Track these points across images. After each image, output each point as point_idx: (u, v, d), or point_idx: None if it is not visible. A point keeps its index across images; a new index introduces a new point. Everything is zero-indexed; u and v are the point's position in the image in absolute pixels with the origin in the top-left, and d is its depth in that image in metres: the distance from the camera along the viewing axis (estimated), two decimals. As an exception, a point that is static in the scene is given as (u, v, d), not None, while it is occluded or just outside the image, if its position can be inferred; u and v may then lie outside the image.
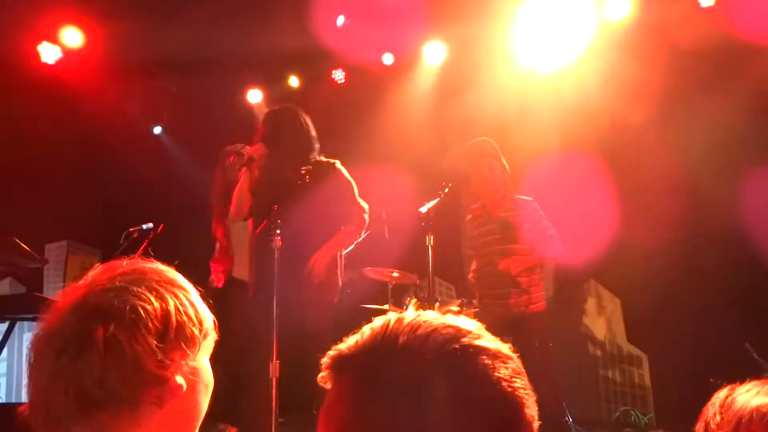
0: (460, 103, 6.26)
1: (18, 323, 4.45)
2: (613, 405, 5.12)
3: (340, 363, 0.68)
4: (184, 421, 0.93)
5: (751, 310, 4.41)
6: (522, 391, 0.66)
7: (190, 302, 0.93)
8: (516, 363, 0.68)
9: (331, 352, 0.70)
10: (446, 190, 3.37)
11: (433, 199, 3.33)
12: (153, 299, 0.88)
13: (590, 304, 5.43)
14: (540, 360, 3.36)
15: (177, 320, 0.89)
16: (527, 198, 3.77)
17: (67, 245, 6.43)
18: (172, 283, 0.93)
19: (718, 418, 0.93)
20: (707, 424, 0.94)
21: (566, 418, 4.33)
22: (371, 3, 5.45)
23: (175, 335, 0.88)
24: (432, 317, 0.69)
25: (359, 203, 3.33)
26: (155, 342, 0.86)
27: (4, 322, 4.01)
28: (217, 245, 4.44)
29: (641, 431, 4.32)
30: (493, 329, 0.71)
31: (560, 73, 5.27)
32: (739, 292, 4.59)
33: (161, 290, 0.90)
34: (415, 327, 0.67)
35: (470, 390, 0.64)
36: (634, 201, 5.00)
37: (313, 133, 3.38)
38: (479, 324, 0.70)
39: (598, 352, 5.32)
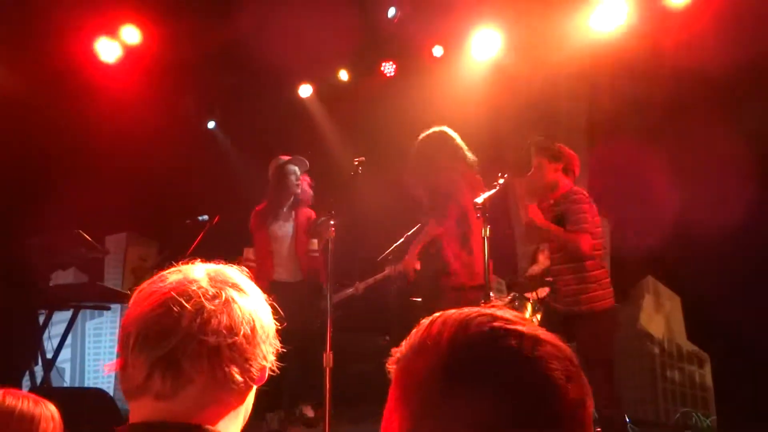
0: (511, 95, 6.16)
1: (81, 311, 4.63)
2: (672, 406, 4.93)
3: (395, 363, 0.72)
4: (243, 419, 0.98)
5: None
6: (559, 372, 0.64)
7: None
8: (556, 348, 0.66)
9: (394, 353, 0.73)
10: (501, 181, 3.30)
11: (489, 190, 3.28)
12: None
13: (647, 302, 5.25)
14: (599, 360, 3.19)
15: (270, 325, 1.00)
16: (577, 191, 3.54)
17: (126, 237, 6.65)
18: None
19: None
20: None
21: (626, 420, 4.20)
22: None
23: (268, 335, 0.98)
24: (473, 310, 0.70)
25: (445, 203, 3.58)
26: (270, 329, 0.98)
27: (68, 309, 4.17)
28: (257, 250, 4.55)
29: (703, 434, 4.16)
30: (552, 325, 0.71)
31: (613, 61, 5.10)
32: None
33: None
34: (450, 319, 0.69)
35: (496, 369, 0.63)
36: (696, 191, 4.80)
37: (454, 150, 3.85)
38: (520, 314, 0.70)
39: (656, 351, 5.14)
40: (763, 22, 4.34)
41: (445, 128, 3.89)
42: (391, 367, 0.72)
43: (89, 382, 6.30)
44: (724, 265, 4.61)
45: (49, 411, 1.44)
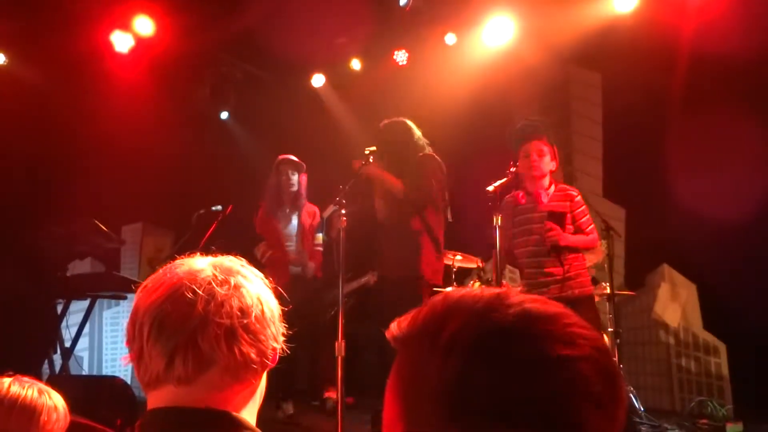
0: (523, 83, 6.10)
1: (98, 301, 4.69)
2: (688, 395, 4.91)
3: (392, 339, 0.64)
4: (259, 399, 1.00)
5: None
6: (585, 388, 0.55)
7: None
8: (591, 362, 0.56)
9: (393, 330, 0.64)
10: (513, 169, 3.29)
11: (501, 179, 3.25)
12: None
13: (663, 290, 5.21)
14: None
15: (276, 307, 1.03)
16: (571, 188, 3.64)
17: (142, 227, 6.71)
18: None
19: None
20: None
21: (638, 408, 4.18)
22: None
23: (275, 317, 1.01)
24: (491, 304, 0.59)
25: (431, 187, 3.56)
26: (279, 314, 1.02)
27: (86, 298, 4.23)
28: (271, 242, 4.62)
29: (719, 423, 4.12)
30: None
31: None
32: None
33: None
34: (460, 318, 0.59)
35: (510, 400, 0.54)
36: (712, 179, 4.74)
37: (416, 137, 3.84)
38: (550, 304, 0.61)
39: (672, 340, 5.11)
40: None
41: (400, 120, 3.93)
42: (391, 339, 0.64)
43: (107, 370, 6.40)
44: (740, 253, 4.55)
45: (53, 401, 1.45)
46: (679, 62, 4.87)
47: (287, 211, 4.66)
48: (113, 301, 6.24)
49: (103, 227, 4.11)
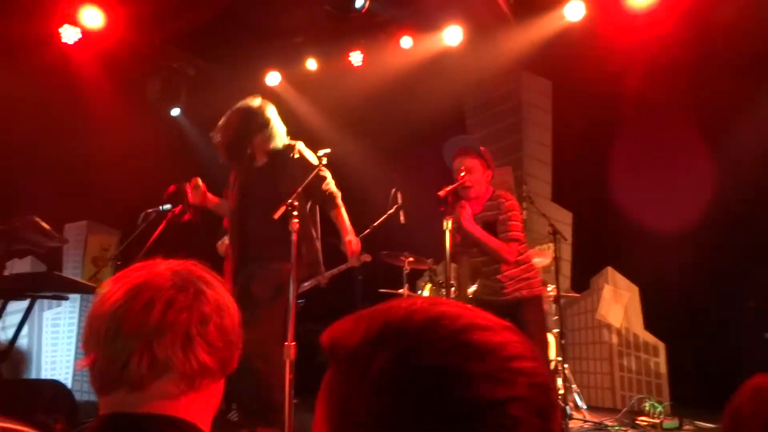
0: (476, 88, 6.20)
1: (38, 301, 4.51)
2: (629, 393, 5.09)
3: (327, 355, 0.61)
4: (214, 407, 0.99)
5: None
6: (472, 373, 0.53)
7: None
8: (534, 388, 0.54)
9: (326, 340, 0.61)
10: (462, 174, 3.32)
11: (452, 183, 3.28)
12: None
13: (606, 292, 5.39)
14: (539, 344, 3.33)
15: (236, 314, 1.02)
16: (504, 195, 3.49)
17: (87, 225, 6.49)
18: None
19: (752, 406, 0.87)
20: (737, 413, 0.88)
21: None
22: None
23: (235, 325, 0.99)
24: (412, 315, 0.57)
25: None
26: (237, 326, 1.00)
27: (25, 299, 4.06)
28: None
29: (656, 419, 4.29)
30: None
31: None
32: (764, 282, 4.53)
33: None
34: (386, 327, 0.57)
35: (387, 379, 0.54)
36: (654, 185, 4.94)
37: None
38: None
39: (614, 340, 5.29)
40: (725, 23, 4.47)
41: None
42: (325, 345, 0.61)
43: (47, 374, 6.16)
44: (680, 257, 4.75)
45: None
46: (627, 71, 5.05)
47: None
48: (54, 302, 6.02)
49: (44, 225, 3.95)
